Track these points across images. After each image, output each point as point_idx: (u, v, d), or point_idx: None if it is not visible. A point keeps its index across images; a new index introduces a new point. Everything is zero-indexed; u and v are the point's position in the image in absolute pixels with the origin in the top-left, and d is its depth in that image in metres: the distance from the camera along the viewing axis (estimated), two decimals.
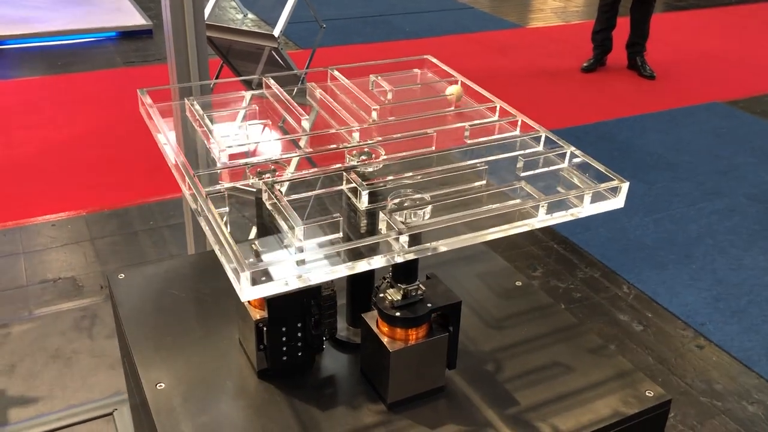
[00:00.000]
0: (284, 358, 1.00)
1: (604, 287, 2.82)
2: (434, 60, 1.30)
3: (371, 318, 0.99)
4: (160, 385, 1.02)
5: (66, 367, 2.31)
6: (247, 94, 1.16)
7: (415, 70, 1.28)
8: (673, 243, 3.12)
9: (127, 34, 5.67)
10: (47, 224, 3.11)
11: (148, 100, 1.09)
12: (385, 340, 0.96)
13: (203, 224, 0.85)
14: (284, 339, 0.99)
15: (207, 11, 3.23)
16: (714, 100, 4.74)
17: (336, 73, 1.22)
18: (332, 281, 1.02)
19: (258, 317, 0.99)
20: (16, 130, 3.98)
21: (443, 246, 0.89)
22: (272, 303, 0.95)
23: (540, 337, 1.14)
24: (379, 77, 1.22)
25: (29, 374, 2.27)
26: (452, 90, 1.21)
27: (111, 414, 2.12)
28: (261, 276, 0.78)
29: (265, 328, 0.98)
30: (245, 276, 0.76)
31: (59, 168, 3.56)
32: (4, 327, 2.48)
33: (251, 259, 0.78)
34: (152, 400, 0.99)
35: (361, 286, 1.08)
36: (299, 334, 1.00)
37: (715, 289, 2.82)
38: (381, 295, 0.97)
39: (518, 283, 1.27)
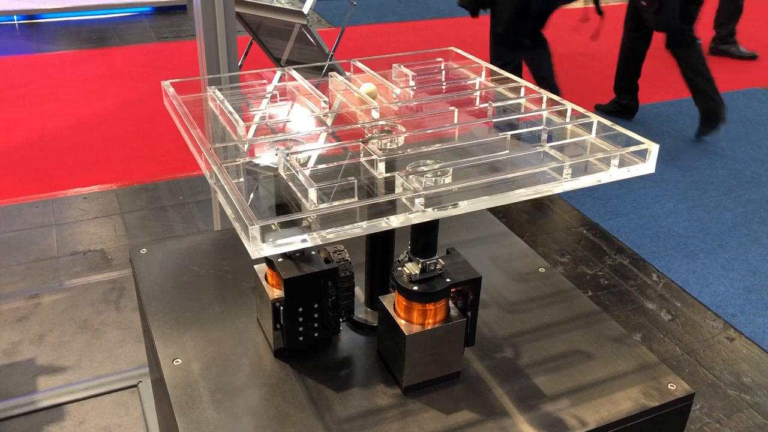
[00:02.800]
0: (300, 338, 1.00)
1: (633, 275, 2.77)
2: (459, 51, 1.27)
3: (389, 300, 0.98)
4: (177, 361, 1.02)
5: (94, 338, 2.35)
6: (272, 82, 1.16)
7: (439, 60, 1.26)
8: (706, 232, 3.06)
9: (162, 10, 5.70)
10: (79, 197, 3.16)
11: (171, 90, 1.10)
12: (401, 323, 0.95)
13: (219, 195, 0.84)
14: (301, 319, 0.99)
15: None
16: (755, 86, 4.61)
17: (359, 64, 1.21)
18: (350, 262, 1.01)
19: (275, 296, 0.98)
20: (50, 103, 4.03)
21: (461, 208, 0.86)
22: (289, 283, 0.95)
23: (561, 323, 1.12)
24: (402, 66, 1.21)
25: (58, 344, 2.31)
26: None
27: (136, 386, 2.16)
28: (271, 234, 0.77)
29: (282, 308, 0.97)
30: (255, 229, 0.75)
31: (92, 142, 3.61)
32: (35, 297, 2.53)
33: (265, 221, 0.77)
34: (169, 376, 0.99)
35: (380, 268, 1.07)
36: (316, 315, 0.99)
37: (748, 280, 2.75)
38: (399, 269, 0.96)
39: (541, 270, 1.25)
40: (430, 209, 0.84)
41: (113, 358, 2.27)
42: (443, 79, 1.24)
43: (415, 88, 1.17)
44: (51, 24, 5.37)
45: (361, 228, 0.82)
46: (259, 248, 0.76)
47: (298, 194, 0.85)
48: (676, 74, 4.73)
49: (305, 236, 0.79)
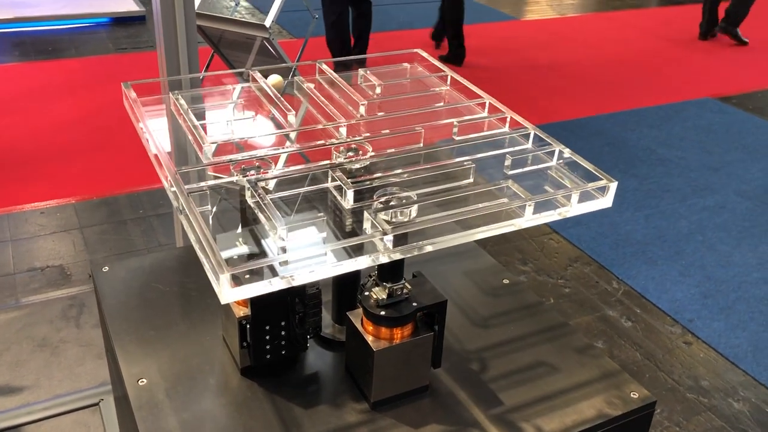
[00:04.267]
0: (268, 356, 1.00)
1: (593, 282, 2.82)
2: (424, 54, 1.28)
3: (356, 316, 0.98)
4: (142, 381, 1.01)
5: (53, 356, 2.29)
6: (235, 89, 1.15)
7: (405, 65, 1.27)
8: (663, 239, 3.13)
9: (120, 20, 5.62)
10: (36, 212, 3.09)
11: (132, 94, 1.08)
12: (369, 339, 0.95)
13: (184, 223, 0.84)
14: (268, 337, 0.98)
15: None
16: (706, 96, 4.74)
17: (324, 66, 1.20)
18: (317, 280, 1.01)
19: (241, 314, 0.98)
20: (4, 115, 3.94)
21: (429, 246, 0.89)
22: (255, 301, 0.94)
23: (526, 336, 1.14)
24: (368, 71, 1.21)
25: (15, 363, 2.25)
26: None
27: (97, 404, 2.11)
28: (242, 277, 0.77)
29: (248, 326, 0.97)
30: (225, 278, 0.75)
31: (49, 155, 3.53)
32: None
33: (232, 259, 0.77)
34: (133, 396, 0.98)
35: (347, 284, 1.08)
36: (283, 333, 0.99)
37: (704, 286, 2.82)
38: (366, 293, 0.97)
39: (506, 281, 1.27)
40: (399, 247, 0.86)
41: (73, 376, 2.22)
42: (408, 89, 1.24)
43: (381, 96, 1.17)
44: (4, 35, 5.25)
45: (331, 269, 0.83)
46: (230, 294, 0.78)
47: (267, 227, 0.85)
48: (632, 84, 4.85)
49: (275, 279, 0.80)
